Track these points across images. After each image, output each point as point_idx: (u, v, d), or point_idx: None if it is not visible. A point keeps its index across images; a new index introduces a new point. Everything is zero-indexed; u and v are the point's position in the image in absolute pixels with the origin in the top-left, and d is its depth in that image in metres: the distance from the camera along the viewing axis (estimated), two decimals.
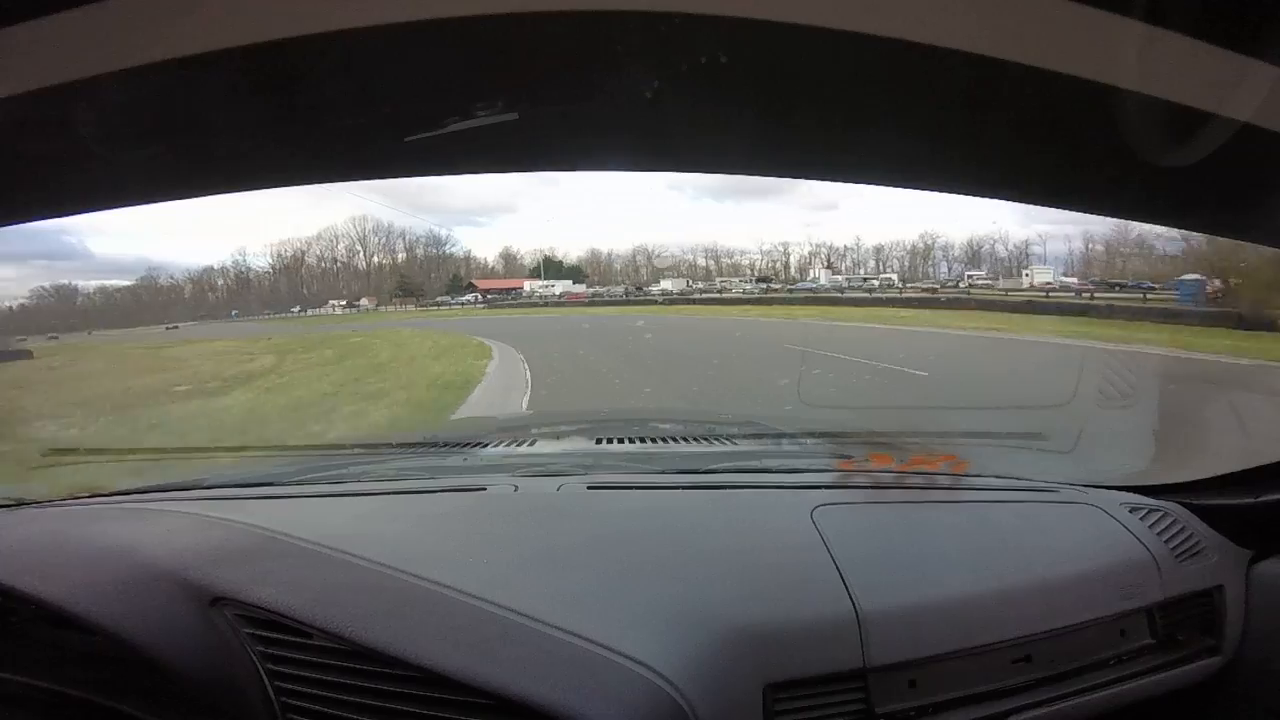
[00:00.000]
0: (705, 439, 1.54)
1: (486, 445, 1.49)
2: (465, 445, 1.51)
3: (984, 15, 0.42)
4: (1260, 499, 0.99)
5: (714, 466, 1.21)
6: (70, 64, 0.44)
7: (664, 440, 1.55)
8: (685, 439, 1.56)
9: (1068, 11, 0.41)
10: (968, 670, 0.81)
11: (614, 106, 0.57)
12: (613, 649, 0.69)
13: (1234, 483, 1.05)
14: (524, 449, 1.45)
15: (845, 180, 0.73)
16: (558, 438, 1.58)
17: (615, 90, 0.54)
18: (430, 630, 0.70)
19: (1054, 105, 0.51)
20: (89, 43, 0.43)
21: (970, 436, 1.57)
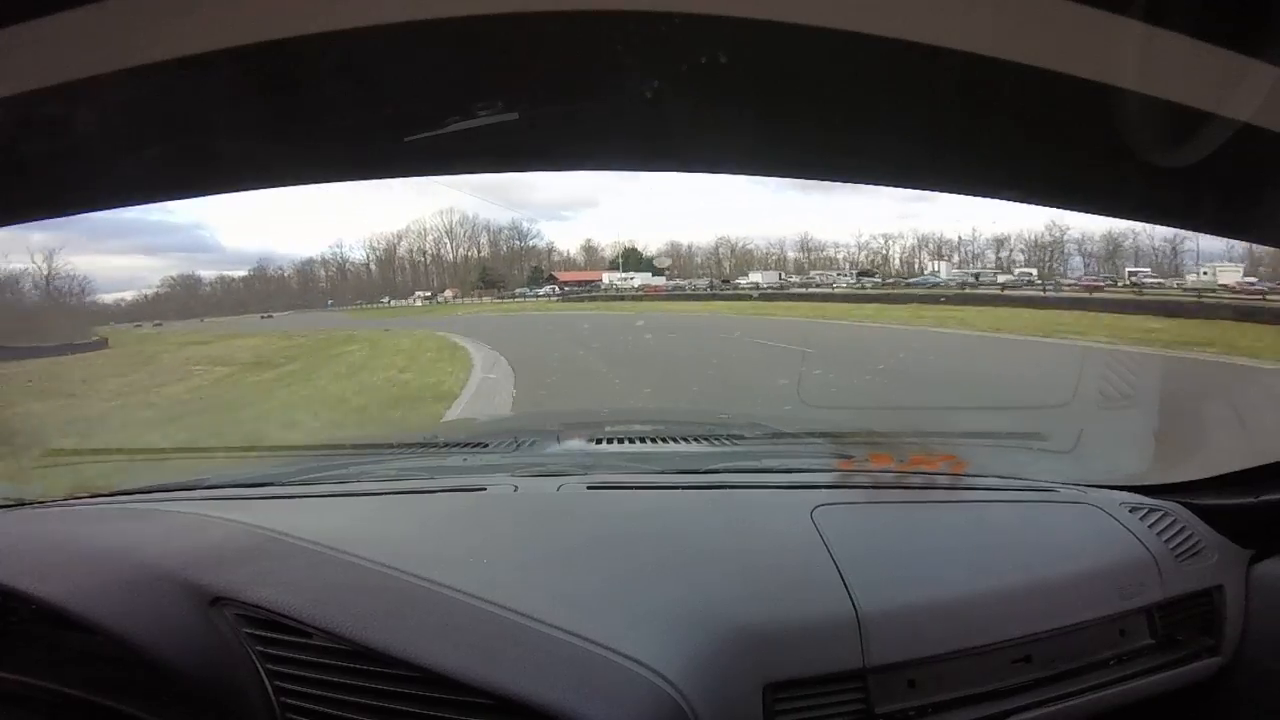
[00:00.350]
0: (705, 439, 1.54)
1: (486, 445, 1.49)
2: (465, 445, 1.51)
3: (984, 15, 0.42)
4: (1260, 499, 0.99)
5: (714, 466, 1.21)
6: (70, 64, 0.44)
7: (664, 440, 1.55)
8: (685, 439, 1.56)
9: (1068, 11, 0.41)
10: (967, 670, 0.81)
11: (614, 106, 0.57)
12: (613, 649, 0.69)
13: (1234, 483, 1.05)
14: (524, 449, 1.45)
15: (845, 180, 0.73)
16: (558, 438, 1.58)
17: (615, 90, 0.54)
18: (430, 630, 0.70)
19: (1054, 105, 0.51)
20: (89, 43, 0.43)
21: (970, 436, 1.57)
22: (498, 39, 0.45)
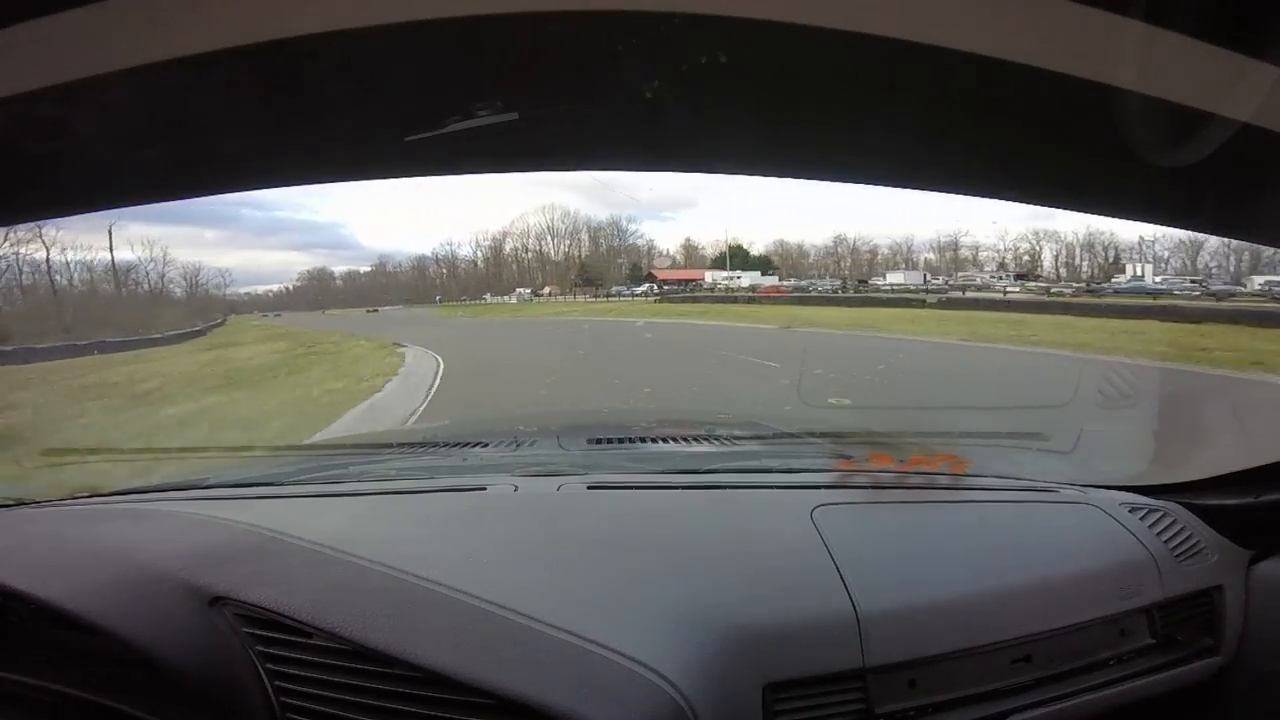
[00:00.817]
0: (705, 439, 1.54)
1: (486, 445, 1.49)
2: (465, 445, 1.51)
3: (984, 15, 0.43)
4: (1260, 499, 0.99)
5: (714, 466, 1.21)
6: (70, 64, 0.44)
7: (664, 440, 1.55)
8: (685, 439, 1.56)
9: (1068, 11, 0.41)
10: (967, 670, 0.81)
11: (614, 106, 0.57)
12: (613, 649, 0.69)
13: (1233, 483, 1.05)
14: (524, 449, 1.45)
15: (845, 180, 0.73)
16: (557, 438, 1.58)
17: (615, 90, 0.54)
18: (430, 630, 0.70)
19: (1054, 105, 0.51)
20: (89, 43, 0.43)
21: (970, 436, 1.56)
22: (498, 39, 0.45)
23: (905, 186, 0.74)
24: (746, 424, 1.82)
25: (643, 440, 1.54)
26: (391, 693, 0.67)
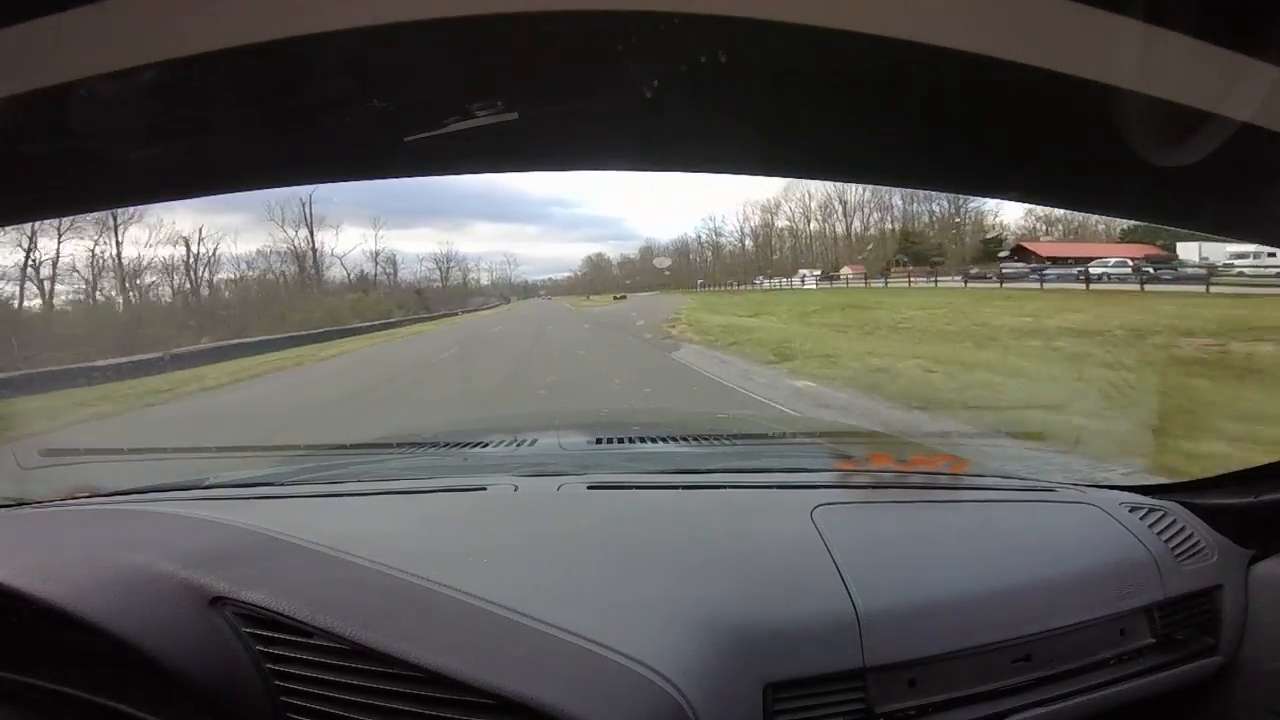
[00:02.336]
0: (705, 439, 1.54)
1: (486, 445, 1.49)
2: (465, 445, 1.51)
3: (984, 15, 0.43)
4: (1260, 499, 0.99)
5: (714, 466, 1.21)
6: (70, 64, 0.44)
7: (664, 440, 1.55)
8: (685, 439, 1.56)
9: (1068, 11, 0.41)
10: (967, 670, 0.81)
11: (614, 106, 0.57)
12: (613, 649, 0.69)
13: (1234, 483, 1.05)
14: (524, 449, 1.45)
15: (845, 180, 0.73)
16: (558, 438, 1.58)
17: (615, 90, 0.54)
18: (430, 630, 0.70)
19: (1054, 105, 0.51)
20: (89, 43, 0.43)
21: (970, 436, 1.57)
22: (498, 39, 0.45)
23: (905, 186, 0.75)
24: (746, 424, 1.83)
25: (643, 440, 1.54)
26: (391, 692, 0.67)
